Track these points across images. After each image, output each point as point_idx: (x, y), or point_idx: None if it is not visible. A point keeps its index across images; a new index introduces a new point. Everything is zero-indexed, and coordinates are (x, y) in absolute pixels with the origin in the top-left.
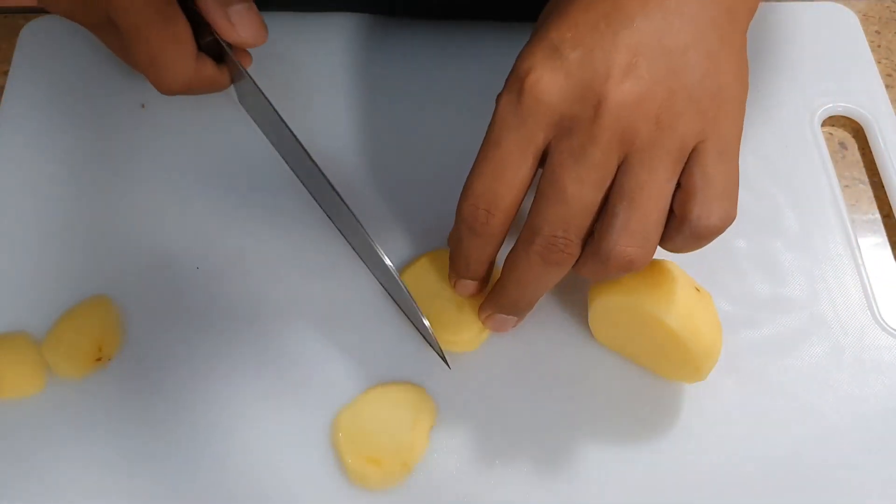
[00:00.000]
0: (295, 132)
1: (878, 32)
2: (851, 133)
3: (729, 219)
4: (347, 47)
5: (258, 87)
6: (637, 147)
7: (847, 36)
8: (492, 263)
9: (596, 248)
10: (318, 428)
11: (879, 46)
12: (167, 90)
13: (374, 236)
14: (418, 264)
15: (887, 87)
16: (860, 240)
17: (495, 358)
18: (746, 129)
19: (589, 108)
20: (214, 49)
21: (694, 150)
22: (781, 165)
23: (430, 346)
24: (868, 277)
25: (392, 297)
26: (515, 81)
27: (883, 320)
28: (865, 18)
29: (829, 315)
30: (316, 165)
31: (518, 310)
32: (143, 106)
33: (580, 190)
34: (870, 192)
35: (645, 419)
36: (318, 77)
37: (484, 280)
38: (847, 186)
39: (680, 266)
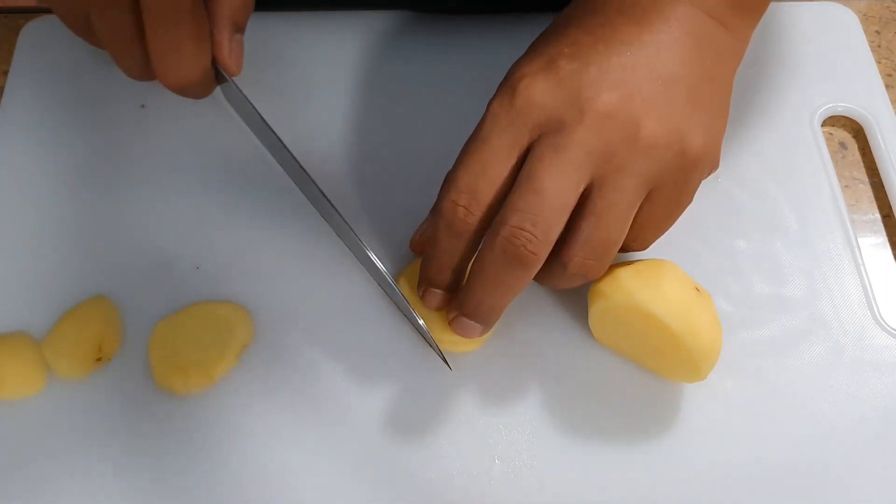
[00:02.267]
0: (293, 131)
1: (878, 32)
2: (851, 133)
3: (599, 273)
4: (345, 46)
5: (244, 95)
6: (613, 166)
7: (847, 36)
8: (462, 273)
9: (557, 255)
10: (319, 428)
11: (879, 46)
12: (175, 83)
13: (373, 236)
14: (418, 263)
15: (887, 87)
16: (860, 240)
17: (495, 358)
18: (746, 129)
19: (576, 112)
20: None
21: (654, 189)
22: (781, 165)
23: (431, 347)
24: (868, 277)
25: (390, 298)
26: (509, 86)
27: (883, 320)
28: (865, 18)
29: (829, 315)
30: (305, 171)
31: (481, 314)
32: (142, 106)
33: (556, 184)
34: (870, 192)
35: (645, 419)
36: (316, 76)
37: (452, 291)
38: (847, 186)
39: (679, 266)
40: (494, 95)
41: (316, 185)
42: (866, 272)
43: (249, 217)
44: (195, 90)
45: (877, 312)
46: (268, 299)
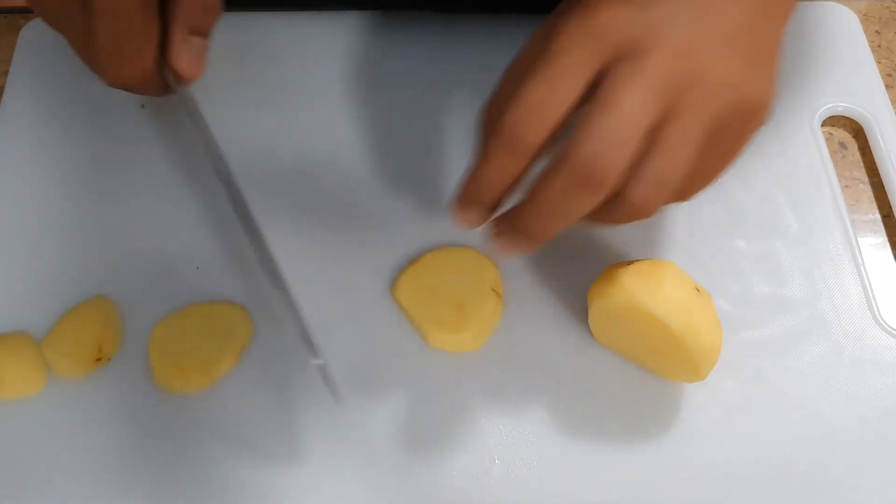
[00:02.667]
0: (291, 132)
1: (878, 32)
2: (851, 133)
3: (653, 211)
4: (341, 45)
5: (195, 105)
6: (686, 103)
7: (847, 36)
8: (511, 193)
9: (621, 191)
10: (318, 428)
11: (879, 46)
12: (115, 82)
13: (373, 235)
14: (419, 264)
15: (887, 87)
16: (860, 240)
17: (495, 358)
18: None
19: (654, 40)
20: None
21: (714, 132)
22: (781, 165)
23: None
24: (868, 277)
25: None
26: (579, 8)
27: (883, 320)
28: (865, 18)
29: (829, 315)
30: (241, 199)
31: (538, 234)
32: (142, 106)
33: (634, 108)
34: (870, 192)
35: (645, 419)
36: (312, 75)
37: (493, 211)
38: (847, 186)
39: (679, 266)
40: (554, 18)
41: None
42: (866, 272)
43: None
44: (139, 89)
45: (877, 312)
46: (268, 299)
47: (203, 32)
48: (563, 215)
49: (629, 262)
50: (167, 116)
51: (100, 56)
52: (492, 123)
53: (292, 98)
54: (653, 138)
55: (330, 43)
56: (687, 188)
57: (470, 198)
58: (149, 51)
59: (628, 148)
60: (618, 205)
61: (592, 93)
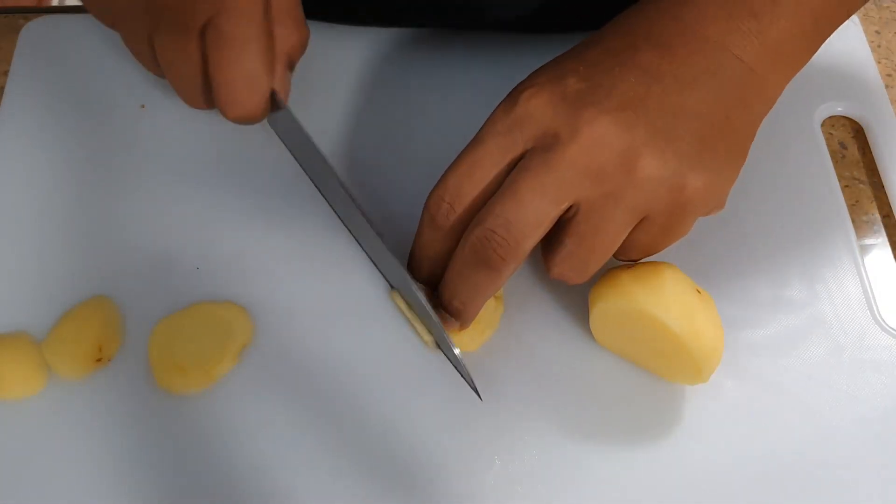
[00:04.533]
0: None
1: (878, 32)
2: (851, 133)
3: (580, 281)
4: (356, 60)
5: (299, 124)
6: (603, 191)
7: (847, 36)
8: (441, 269)
9: (545, 257)
10: (318, 428)
11: (879, 46)
12: (239, 115)
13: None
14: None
15: (887, 87)
16: (860, 240)
17: (495, 358)
18: None
19: (572, 130)
20: None
21: (645, 218)
22: (781, 165)
23: (460, 373)
24: (868, 277)
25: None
26: (514, 94)
27: (883, 320)
28: (865, 18)
29: (829, 315)
30: (354, 201)
31: (453, 309)
32: (142, 106)
33: (537, 197)
34: (870, 192)
35: (645, 419)
36: (326, 89)
37: (430, 286)
38: (847, 186)
39: (679, 268)
40: (500, 102)
41: (370, 222)
42: (866, 272)
43: (249, 217)
44: (254, 120)
45: (877, 312)
46: (268, 299)
47: (292, 67)
48: (471, 290)
49: (630, 265)
50: (167, 116)
51: (223, 90)
52: (425, 202)
53: (303, 109)
54: (569, 222)
55: (341, 57)
56: (625, 256)
57: (412, 268)
58: (268, 83)
59: (526, 234)
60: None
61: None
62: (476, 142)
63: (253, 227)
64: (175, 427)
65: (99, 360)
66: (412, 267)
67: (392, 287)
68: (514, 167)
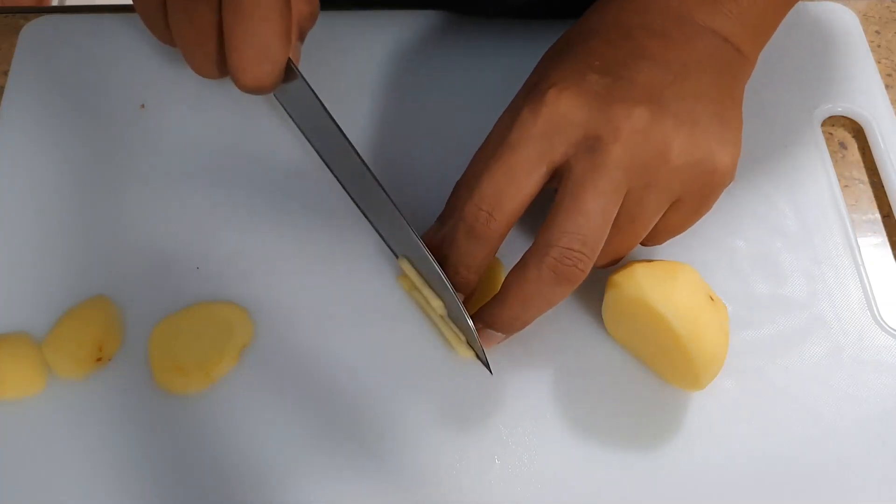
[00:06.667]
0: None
1: (878, 32)
2: (851, 133)
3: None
4: (373, 46)
5: (312, 91)
6: (643, 182)
7: (847, 36)
8: (480, 274)
9: None
10: (318, 428)
11: (879, 46)
12: (252, 83)
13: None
14: None
15: (887, 87)
16: (860, 240)
17: (495, 357)
18: (746, 128)
19: (612, 129)
20: None
21: (678, 200)
22: (781, 165)
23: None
24: (868, 277)
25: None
26: (537, 94)
27: (883, 320)
28: (865, 18)
29: (829, 315)
30: (369, 171)
31: (513, 328)
32: (142, 106)
33: (601, 205)
34: (870, 192)
35: (645, 419)
36: (344, 74)
37: (463, 294)
38: (847, 186)
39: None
40: (519, 103)
41: (382, 187)
42: (866, 272)
43: (249, 217)
44: (267, 89)
45: (877, 313)
46: (268, 299)
47: (303, 37)
48: (541, 307)
49: (650, 260)
50: (167, 116)
51: (239, 58)
52: (458, 207)
53: (321, 96)
54: (615, 219)
55: (358, 43)
56: (651, 241)
57: (447, 273)
58: (286, 51)
59: (599, 241)
60: None
61: (559, 181)
62: (508, 147)
63: (253, 227)
64: (175, 427)
65: (99, 360)
66: (447, 273)
67: (398, 256)
68: (556, 173)
